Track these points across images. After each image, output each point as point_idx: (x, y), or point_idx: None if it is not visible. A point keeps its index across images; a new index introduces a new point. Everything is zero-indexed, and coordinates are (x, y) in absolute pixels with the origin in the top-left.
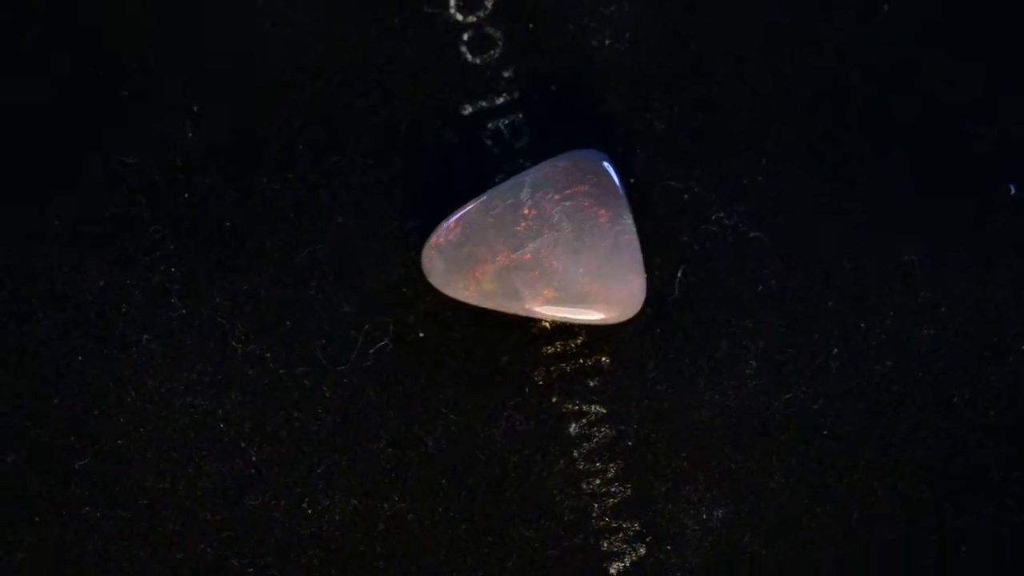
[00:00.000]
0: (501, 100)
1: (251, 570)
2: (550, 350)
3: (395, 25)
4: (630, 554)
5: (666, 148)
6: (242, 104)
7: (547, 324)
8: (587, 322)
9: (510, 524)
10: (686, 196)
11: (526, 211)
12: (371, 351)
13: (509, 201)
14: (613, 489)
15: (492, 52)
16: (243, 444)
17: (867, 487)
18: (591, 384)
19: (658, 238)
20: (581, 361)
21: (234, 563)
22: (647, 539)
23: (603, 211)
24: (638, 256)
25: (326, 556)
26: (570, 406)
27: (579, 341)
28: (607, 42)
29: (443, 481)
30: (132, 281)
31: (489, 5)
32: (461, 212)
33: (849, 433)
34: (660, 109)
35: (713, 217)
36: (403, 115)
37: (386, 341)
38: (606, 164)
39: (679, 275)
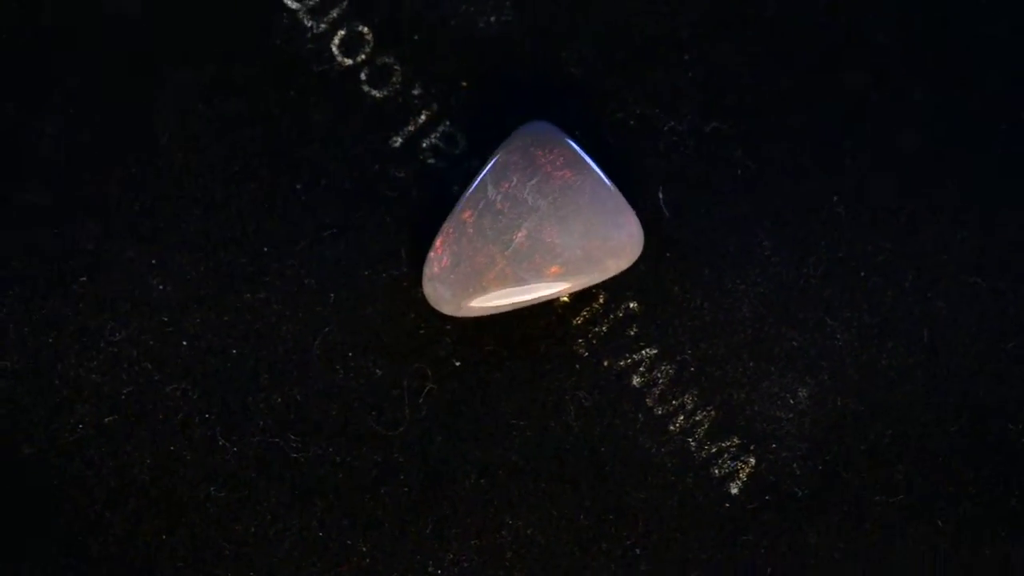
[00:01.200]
0: (423, 118)
1: None
2: (579, 320)
3: (293, 98)
4: (742, 468)
5: (592, 89)
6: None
7: (565, 298)
8: (601, 280)
9: (623, 496)
10: (632, 123)
11: (499, 206)
12: (420, 400)
13: (480, 205)
14: (698, 418)
15: (393, 79)
16: (349, 542)
17: (927, 307)
18: (632, 333)
19: (627, 172)
20: (612, 317)
21: None
22: (751, 447)
23: (568, 172)
24: (620, 198)
25: None
26: (622, 362)
27: (602, 299)
28: (492, 19)
29: (544, 486)
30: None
31: (370, 38)
32: (441, 236)
33: (884, 263)
34: (569, 58)
35: (666, 128)
36: (342, 174)
37: (429, 385)
38: (550, 129)
39: (661, 196)
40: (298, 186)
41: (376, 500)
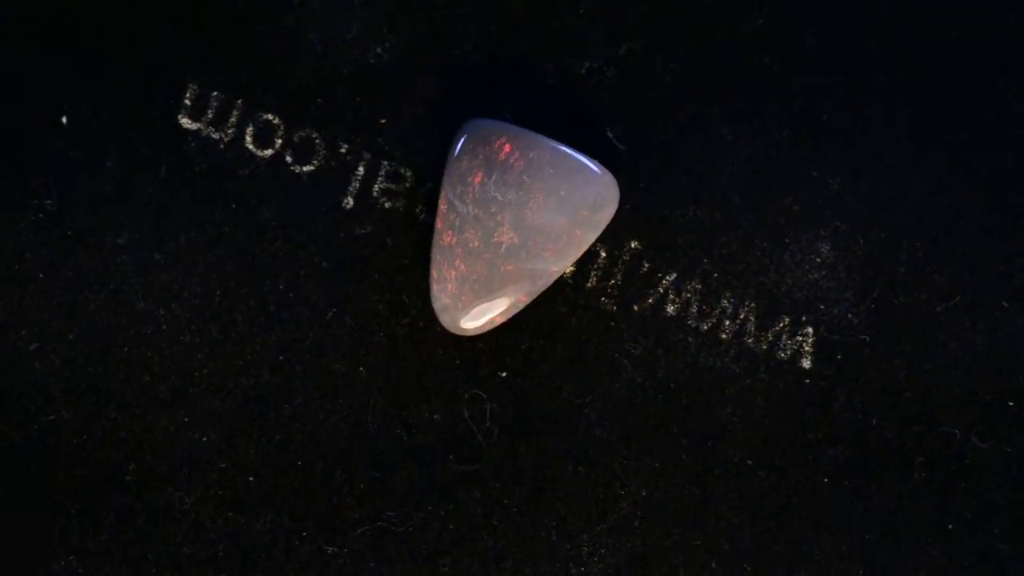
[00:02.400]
0: (361, 169)
1: None
2: (592, 282)
3: (236, 210)
4: (804, 340)
5: (501, 70)
6: None
7: (570, 268)
8: (595, 236)
9: (713, 418)
10: (552, 81)
11: (474, 215)
12: (487, 424)
13: (456, 223)
14: (742, 315)
15: (317, 146)
16: None
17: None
18: (645, 269)
19: (571, 127)
20: (620, 263)
21: None
22: (803, 318)
23: (521, 155)
24: (579, 157)
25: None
26: (650, 299)
27: (603, 254)
28: (379, 50)
29: (637, 445)
30: None
31: (277, 120)
32: (434, 267)
33: (844, 101)
34: (466, 55)
35: (584, 70)
36: (315, 258)
37: (489, 406)
38: (484, 124)
39: (610, 134)
40: (281, 287)
41: (494, 532)
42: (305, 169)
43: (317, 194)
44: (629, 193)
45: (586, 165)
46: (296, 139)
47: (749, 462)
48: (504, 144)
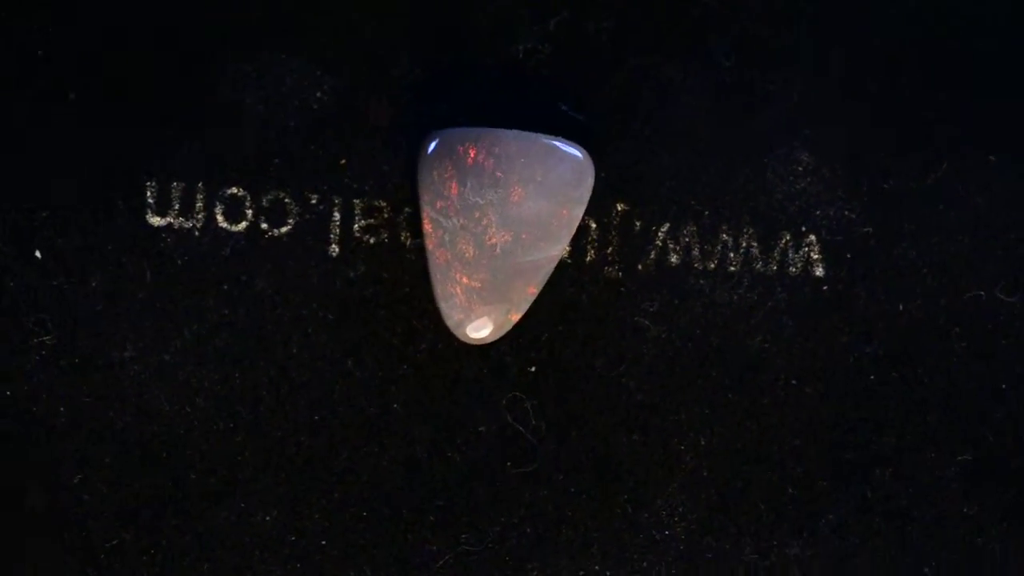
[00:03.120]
0: (337, 214)
1: None
2: (591, 256)
3: (228, 291)
4: (810, 249)
5: (440, 73)
6: None
7: (567, 248)
8: (583, 211)
9: (751, 357)
10: (496, 74)
11: (460, 226)
12: (532, 422)
13: (445, 239)
14: (743, 244)
15: (288, 205)
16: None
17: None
18: (638, 228)
19: (524, 112)
20: (613, 230)
21: None
22: (802, 228)
23: (483, 152)
24: (545, 139)
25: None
26: (651, 256)
27: (593, 225)
28: (319, 94)
29: (684, 404)
30: None
31: (241, 192)
32: (437, 289)
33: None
34: (401, 73)
35: (521, 53)
36: (319, 315)
37: (527, 405)
38: (440, 135)
39: (564, 108)
40: (294, 350)
41: (571, 523)
42: (283, 230)
43: (302, 251)
44: (601, 159)
45: (554, 145)
46: (265, 204)
47: (793, 382)
48: (469, 148)
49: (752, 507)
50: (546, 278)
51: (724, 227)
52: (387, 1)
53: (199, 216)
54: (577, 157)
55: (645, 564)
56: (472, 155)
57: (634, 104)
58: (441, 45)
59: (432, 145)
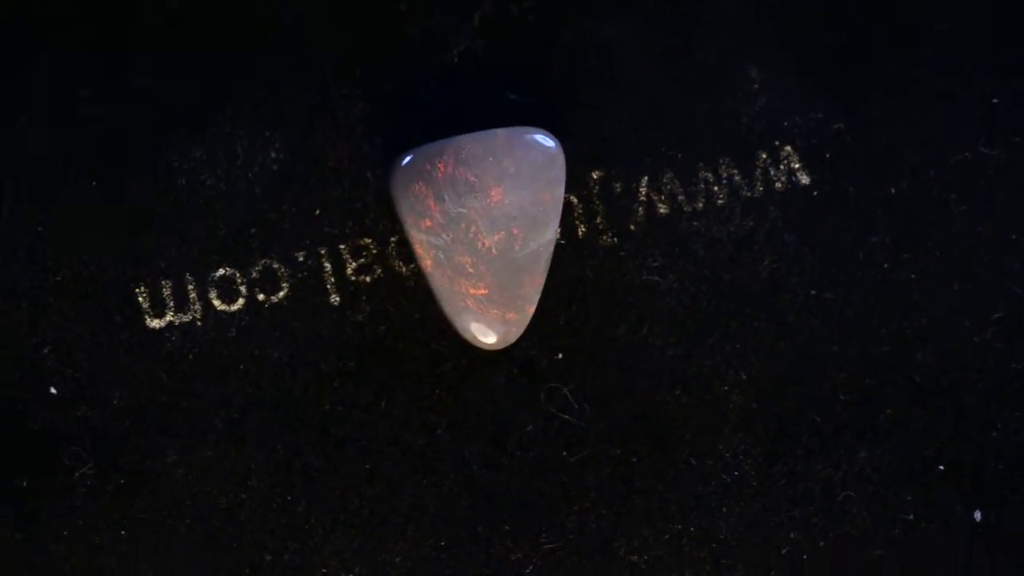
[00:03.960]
0: (328, 264)
1: None
2: (582, 230)
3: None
4: (790, 159)
5: (384, 98)
6: None
7: (558, 231)
8: (563, 192)
9: (769, 273)
10: (434, 84)
11: (449, 240)
12: (575, 406)
13: (440, 257)
14: (724, 175)
15: (278, 272)
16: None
17: None
18: (618, 190)
19: (476, 112)
20: (595, 199)
21: None
22: (775, 144)
23: (451, 162)
24: (506, 133)
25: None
26: (638, 213)
27: (575, 200)
28: (273, 155)
29: (731, 346)
30: None
31: (229, 271)
32: (448, 309)
33: None
34: (339, 102)
35: (456, 53)
36: (311, 376)
37: (565, 391)
38: (402, 161)
39: (513, 97)
40: (327, 407)
41: (643, 492)
42: (280, 295)
43: (304, 310)
44: (565, 135)
45: (516, 135)
46: (255, 275)
47: (812, 292)
48: (436, 163)
49: (809, 424)
50: (547, 265)
51: (700, 165)
52: (313, 47)
53: (195, 307)
54: (542, 140)
55: (724, 509)
56: (441, 169)
57: (580, 72)
58: (376, 73)
59: (399, 171)
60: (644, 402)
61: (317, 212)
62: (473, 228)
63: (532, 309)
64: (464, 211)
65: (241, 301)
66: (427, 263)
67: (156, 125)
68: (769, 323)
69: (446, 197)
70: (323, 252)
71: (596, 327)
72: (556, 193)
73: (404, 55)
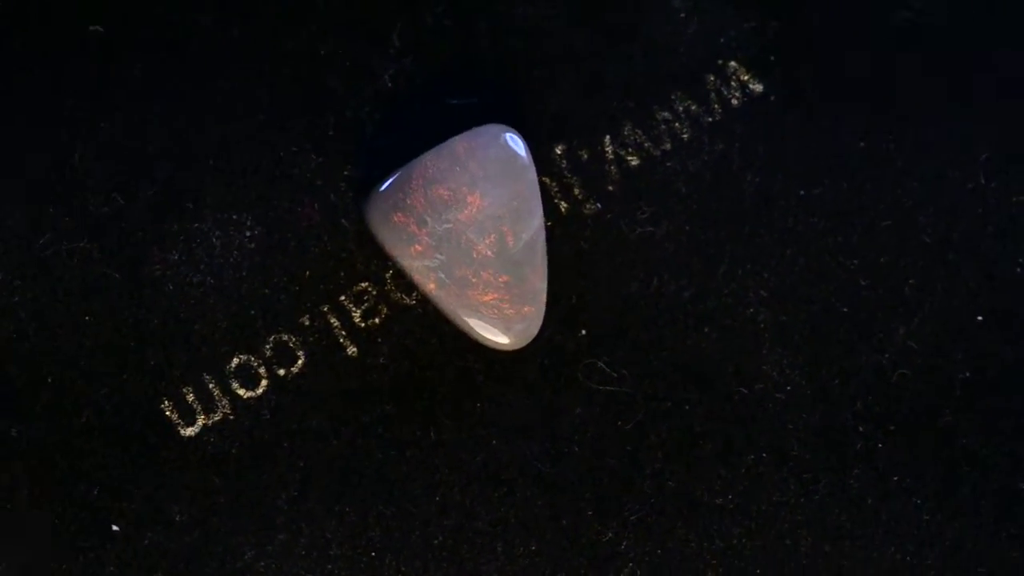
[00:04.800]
0: (336, 320)
1: None
2: (565, 208)
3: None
4: (740, 76)
5: (337, 145)
6: None
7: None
8: (536, 177)
9: (754, 187)
10: (375, 111)
11: (447, 262)
12: (614, 375)
13: (443, 279)
14: (680, 109)
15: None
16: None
17: None
18: (585, 156)
19: (429, 127)
20: (566, 172)
21: None
22: (719, 63)
23: (419, 186)
24: (459, 137)
25: None
26: (613, 170)
27: (548, 180)
28: (247, 236)
29: (742, 267)
30: None
31: (244, 358)
32: (469, 322)
33: None
34: (294, 160)
35: (389, 75)
36: (353, 432)
37: (599, 364)
38: (371, 199)
39: (455, 101)
40: (379, 455)
41: (708, 435)
42: (299, 364)
43: (327, 370)
44: (518, 122)
45: (474, 138)
46: (269, 354)
47: (801, 192)
48: (406, 189)
49: (840, 318)
50: (544, 251)
51: (655, 108)
52: (248, 113)
53: (223, 403)
54: (499, 134)
55: (790, 426)
56: (413, 193)
57: (511, 58)
58: (318, 122)
59: (373, 209)
60: (678, 349)
61: (307, 274)
62: (463, 239)
63: (544, 296)
64: (449, 226)
65: (264, 383)
66: (430, 287)
67: (126, 243)
68: (771, 234)
69: (427, 219)
70: (326, 310)
71: (608, 293)
72: (529, 180)
73: (339, 96)
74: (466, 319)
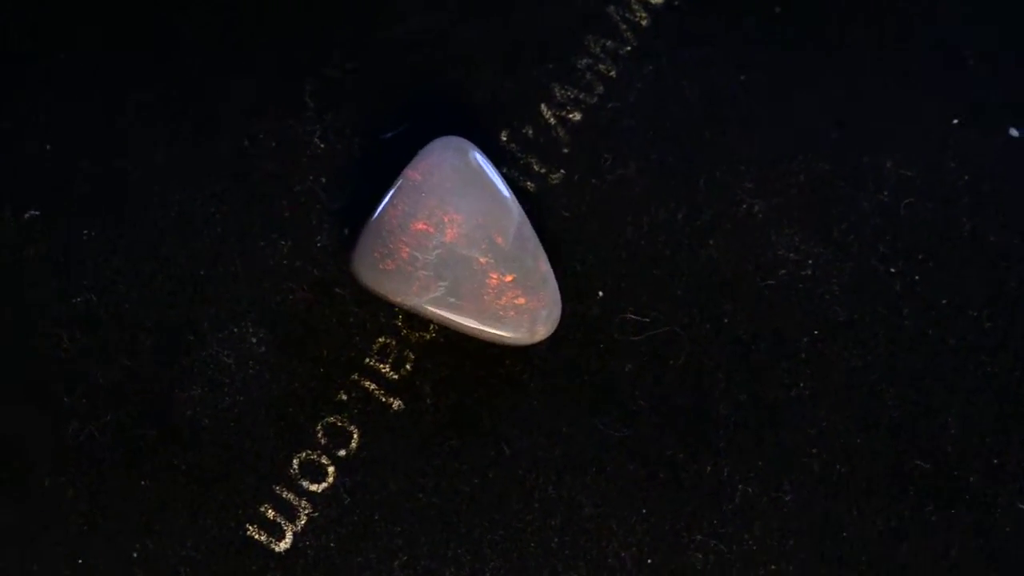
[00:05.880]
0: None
1: None
2: (535, 187)
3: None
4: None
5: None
6: None
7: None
8: (496, 172)
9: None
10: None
11: (452, 279)
12: (641, 346)
13: (450, 302)
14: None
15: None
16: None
17: None
18: (544, 123)
19: (377, 169)
20: (526, 152)
21: None
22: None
23: (394, 221)
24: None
25: None
26: (563, 136)
27: (510, 169)
28: (261, 352)
29: (747, 202)
30: None
31: (317, 458)
32: (493, 330)
33: None
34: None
35: (319, 137)
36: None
37: (625, 318)
38: (352, 259)
39: (388, 135)
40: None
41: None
42: (356, 439)
43: (382, 433)
44: (457, 128)
45: (423, 160)
46: (324, 441)
47: (742, 77)
48: (381, 235)
49: (831, 176)
50: (535, 235)
51: (574, 58)
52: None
53: (302, 504)
54: (444, 147)
55: (827, 296)
56: (391, 235)
57: (417, 75)
58: (273, 213)
59: (359, 266)
60: (694, 270)
61: (325, 353)
62: (458, 257)
63: (553, 276)
64: (440, 251)
65: (331, 470)
66: (444, 315)
67: (147, 400)
68: (732, 127)
69: (416, 252)
70: (356, 378)
71: (608, 246)
72: (492, 177)
73: (274, 177)
74: (491, 329)
